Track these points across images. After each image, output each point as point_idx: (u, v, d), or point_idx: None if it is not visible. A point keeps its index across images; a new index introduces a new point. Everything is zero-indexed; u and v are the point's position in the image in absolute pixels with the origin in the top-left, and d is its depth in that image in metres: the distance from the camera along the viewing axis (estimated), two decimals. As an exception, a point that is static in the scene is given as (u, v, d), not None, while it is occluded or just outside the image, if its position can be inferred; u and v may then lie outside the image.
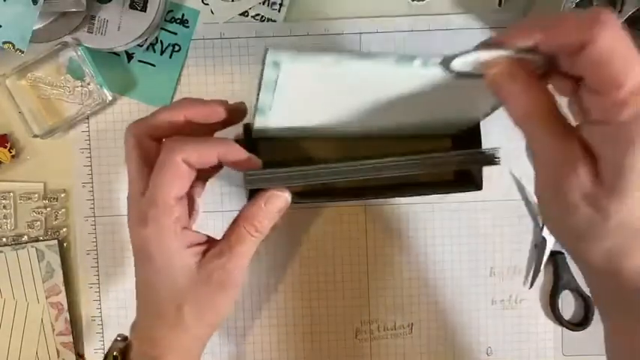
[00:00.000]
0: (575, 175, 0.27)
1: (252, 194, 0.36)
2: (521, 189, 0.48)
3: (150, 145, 0.35)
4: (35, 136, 0.46)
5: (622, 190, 0.26)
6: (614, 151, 0.26)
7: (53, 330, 0.48)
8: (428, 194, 0.45)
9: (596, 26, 0.25)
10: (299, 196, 0.42)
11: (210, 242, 0.36)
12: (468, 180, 0.43)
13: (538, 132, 0.28)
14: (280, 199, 0.35)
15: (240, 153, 0.34)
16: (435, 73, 0.30)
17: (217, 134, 0.38)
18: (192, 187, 0.35)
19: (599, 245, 0.28)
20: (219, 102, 0.36)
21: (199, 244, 0.35)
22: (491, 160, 0.36)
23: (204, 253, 0.35)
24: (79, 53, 0.45)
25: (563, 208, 0.28)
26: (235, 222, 0.36)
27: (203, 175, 0.38)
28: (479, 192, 0.42)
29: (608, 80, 0.25)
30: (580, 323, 0.49)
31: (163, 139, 0.36)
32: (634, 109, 0.25)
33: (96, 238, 0.48)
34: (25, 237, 0.48)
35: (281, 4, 0.47)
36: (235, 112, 0.37)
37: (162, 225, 0.33)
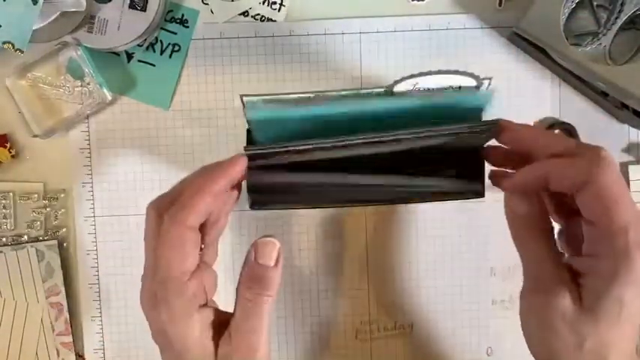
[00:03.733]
0: (561, 297, 0.29)
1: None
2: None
3: None
4: (35, 136, 0.46)
5: (598, 316, 0.28)
6: (599, 280, 0.29)
7: (53, 330, 0.48)
8: (428, 201, 0.45)
9: (595, 168, 0.28)
10: (298, 199, 0.41)
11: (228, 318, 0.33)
12: (469, 186, 0.43)
13: (536, 250, 0.31)
14: (269, 245, 0.33)
15: (237, 169, 0.32)
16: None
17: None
18: (206, 234, 0.32)
19: None
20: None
21: (220, 322, 0.32)
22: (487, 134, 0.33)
23: (222, 331, 0.32)
24: (79, 53, 0.45)
25: (544, 326, 0.30)
26: (237, 291, 0.33)
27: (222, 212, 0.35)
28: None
29: (602, 215, 0.28)
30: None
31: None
32: (621, 244, 0.28)
33: (96, 238, 0.48)
34: (25, 237, 0.48)
35: (281, 4, 0.47)
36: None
37: (175, 308, 0.30)
